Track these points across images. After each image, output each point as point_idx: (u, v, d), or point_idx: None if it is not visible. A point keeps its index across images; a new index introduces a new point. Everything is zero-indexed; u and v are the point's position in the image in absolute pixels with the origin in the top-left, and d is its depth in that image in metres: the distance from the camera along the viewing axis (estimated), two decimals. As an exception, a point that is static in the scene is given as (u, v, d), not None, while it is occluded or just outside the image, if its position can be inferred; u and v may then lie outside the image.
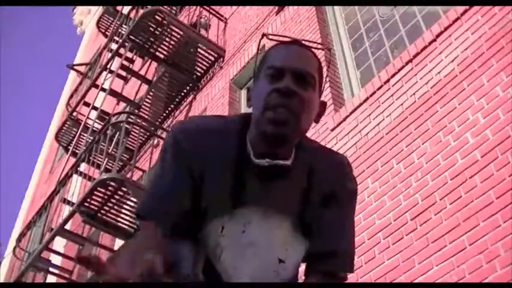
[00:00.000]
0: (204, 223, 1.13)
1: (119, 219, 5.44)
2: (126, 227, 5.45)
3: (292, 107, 1.07)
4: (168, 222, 1.11)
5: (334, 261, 1.16)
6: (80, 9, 18.82)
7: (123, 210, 5.49)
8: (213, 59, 7.33)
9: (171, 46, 7.38)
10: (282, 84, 1.07)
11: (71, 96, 8.85)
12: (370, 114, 4.09)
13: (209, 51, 7.29)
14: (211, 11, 7.95)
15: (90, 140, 6.28)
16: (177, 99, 7.66)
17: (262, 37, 1.20)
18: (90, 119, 7.33)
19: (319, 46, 1.20)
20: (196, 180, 1.12)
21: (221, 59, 7.24)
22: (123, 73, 8.10)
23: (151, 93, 7.71)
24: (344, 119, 4.30)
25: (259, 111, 1.09)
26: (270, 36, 1.18)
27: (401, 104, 3.87)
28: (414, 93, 3.82)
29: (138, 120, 6.76)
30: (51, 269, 6.46)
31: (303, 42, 1.18)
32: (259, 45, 1.22)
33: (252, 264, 1.11)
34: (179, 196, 1.11)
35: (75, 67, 10.62)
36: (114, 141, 5.85)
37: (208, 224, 1.12)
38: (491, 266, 2.72)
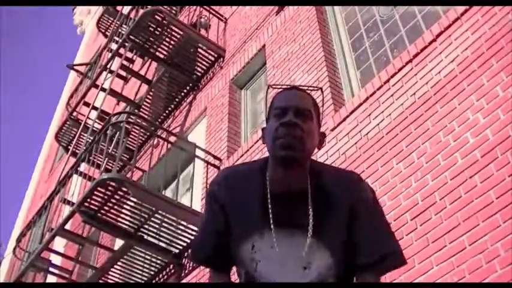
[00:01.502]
0: (236, 249, 1.42)
1: (119, 219, 5.42)
2: (126, 227, 5.44)
3: (296, 134, 1.36)
4: (209, 262, 1.50)
5: (396, 258, 1.41)
6: (80, 9, 18.81)
7: (123, 210, 5.48)
8: (213, 59, 7.32)
9: (171, 46, 7.37)
10: (286, 118, 1.37)
11: (71, 96, 8.84)
12: (370, 114, 4.09)
13: (209, 51, 7.29)
14: (211, 11, 7.94)
15: (90, 140, 6.27)
16: (177, 99, 7.66)
17: (268, 88, 1.59)
18: (90, 119, 7.33)
19: (312, 88, 1.51)
20: (230, 216, 1.43)
21: (221, 59, 7.24)
22: (123, 73, 8.09)
23: (151, 93, 7.71)
24: (344, 119, 4.30)
25: (271, 143, 1.38)
26: (274, 86, 1.55)
27: (402, 104, 3.87)
28: (414, 93, 3.82)
29: (138, 120, 6.75)
30: (51, 269, 6.45)
31: (299, 86, 1.51)
32: (266, 95, 1.64)
33: (282, 272, 1.38)
34: (213, 240, 1.47)
35: (75, 67, 10.58)
36: (114, 141, 5.85)
37: (240, 249, 1.41)
38: (491, 266, 2.73)
